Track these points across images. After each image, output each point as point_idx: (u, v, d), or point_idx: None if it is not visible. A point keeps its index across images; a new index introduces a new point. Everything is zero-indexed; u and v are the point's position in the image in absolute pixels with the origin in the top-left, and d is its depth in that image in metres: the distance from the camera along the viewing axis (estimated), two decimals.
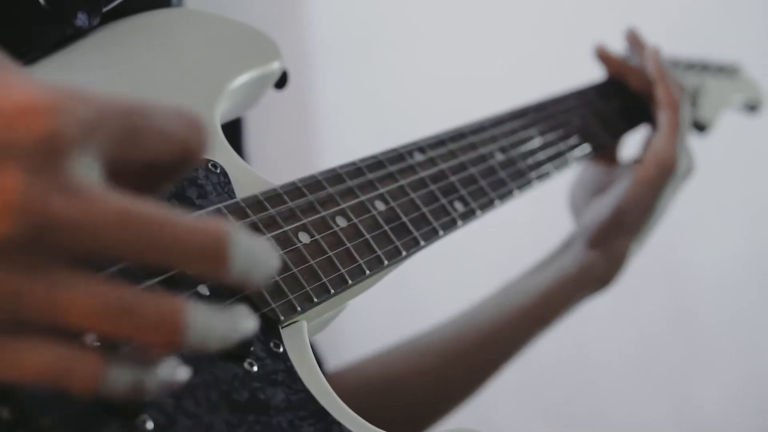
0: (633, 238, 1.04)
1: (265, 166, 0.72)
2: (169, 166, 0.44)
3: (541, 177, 0.91)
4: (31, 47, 0.68)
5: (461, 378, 1.01)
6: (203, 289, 0.59)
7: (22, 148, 0.38)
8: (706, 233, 2.19)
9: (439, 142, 0.84)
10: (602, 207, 1.04)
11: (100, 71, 0.69)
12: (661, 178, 1.02)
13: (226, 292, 0.60)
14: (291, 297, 0.63)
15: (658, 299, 2.22)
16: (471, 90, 2.13)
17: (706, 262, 2.20)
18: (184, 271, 0.42)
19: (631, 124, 1.10)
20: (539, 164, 0.92)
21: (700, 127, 1.18)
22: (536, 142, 0.94)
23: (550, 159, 0.94)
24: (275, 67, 0.77)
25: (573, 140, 0.99)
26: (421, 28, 2.22)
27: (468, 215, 0.80)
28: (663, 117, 1.05)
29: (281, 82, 0.79)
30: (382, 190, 0.75)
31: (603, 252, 1.02)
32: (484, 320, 1.01)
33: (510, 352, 1.02)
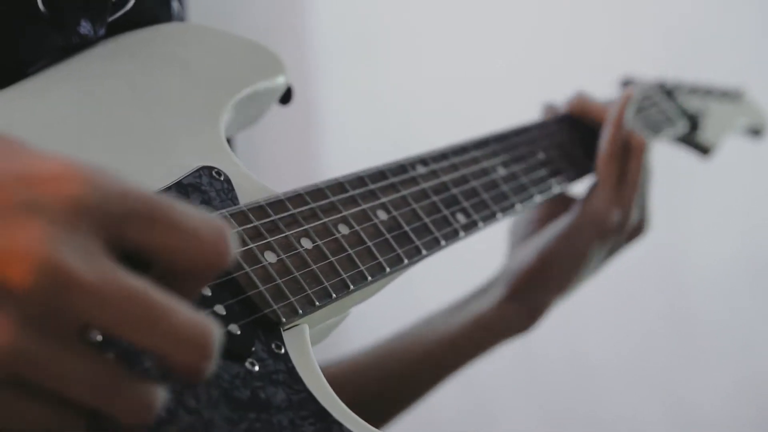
0: (557, 292, 0.98)
1: (268, 174, 0.73)
2: (186, 269, 0.45)
3: (543, 193, 0.91)
4: (33, 54, 0.68)
5: (386, 401, 1.00)
6: (205, 290, 0.60)
7: (50, 206, 0.40)
8: (701, 233, 2.18)
9: (441, 155, 0.84)
10: (529, 252, 0.99)
11: (105, 82, 0.70)
12: (589, 231, 0.96)
13: (227, 295, 0.61)
14: (292, 299, 0.63)
15: (653, 299, 2.20)
16: (474, 91, 2.12)
17: (701, 261, 2.19)
18: (166, 359, 0.43)
19: None
20: (542, 180, 0.92)
21: (704, 150, 1.20)
22: (539, 158, 0.94)
23: (552, 175, 0.94)
24: (280, 81, 0.78)
25: (572, 159, 0.99)
26: (423, 28, 2.22)
27: (470, 226, 0.80)
28: (598, 167, 0.98)
29: (286, 97, 0.79)
30: (384, 200, 0.75)
31: (523, 302, 0.98)
32: (397, 354, 1.00)
33: (422, 390, 1.00)
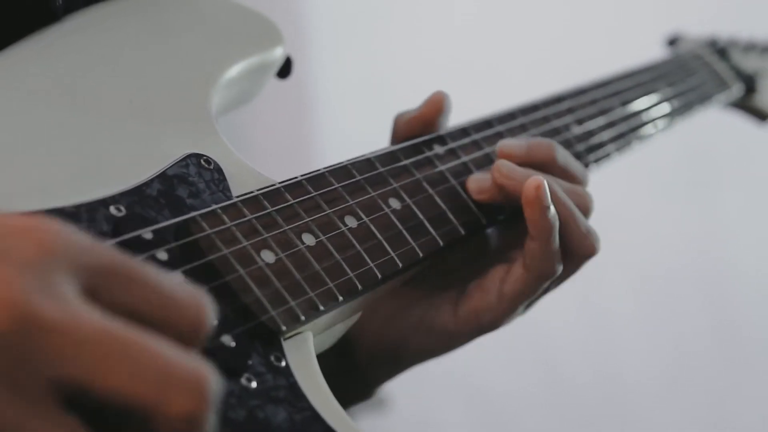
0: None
1: (254, 162, 0.68)
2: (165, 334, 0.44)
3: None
4: (7, 22, 0.65)
5: None
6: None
7: (20, 253, 0.41)
8: (747, 236, 2.12)
9: (461, 131, 0.78)
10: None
11: (77, 57, 0.66)
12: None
13: (220, 303, 0.56)
14: (293, 304, 0.59)
15: (694, 311, 2.15)
16: (478, 72, 2.09)
17: (748, 269, 2.13)
18: (149, 410, 0.40)
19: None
20: (578, 156, 0.84)
21: (762, 116, 1.14)
22: (575, 132, 0.87)
23: (590, 151, 0.87)
24: (277, 53, 0.73)
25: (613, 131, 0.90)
26: (424, 4, 2.19)
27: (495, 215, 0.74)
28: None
29: (285, 70, 0.75)
30: (396, 185, 0.70)
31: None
32: None
33: None
